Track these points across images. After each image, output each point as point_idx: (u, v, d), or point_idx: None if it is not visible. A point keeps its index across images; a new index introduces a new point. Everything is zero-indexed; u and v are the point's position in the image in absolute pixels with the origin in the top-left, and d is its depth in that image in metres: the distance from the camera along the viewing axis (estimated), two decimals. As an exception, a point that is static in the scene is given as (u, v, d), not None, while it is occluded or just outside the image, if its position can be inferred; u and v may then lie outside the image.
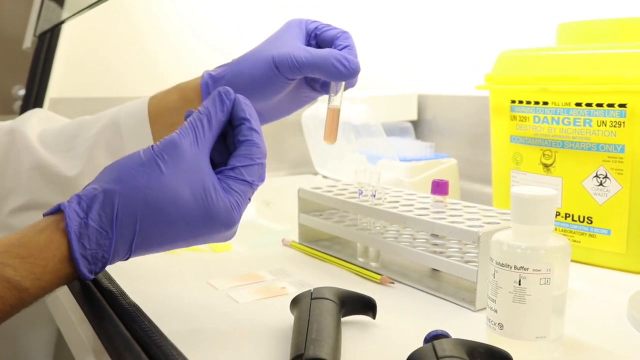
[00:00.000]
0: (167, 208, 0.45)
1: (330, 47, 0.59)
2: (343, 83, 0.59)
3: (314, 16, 0.64)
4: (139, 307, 0.56)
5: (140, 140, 0.61)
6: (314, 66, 0.56)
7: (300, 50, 0.56)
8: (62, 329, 0.69)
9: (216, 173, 0.48)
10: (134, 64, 1.42)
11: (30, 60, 1.58)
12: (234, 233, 0.50)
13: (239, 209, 0.48)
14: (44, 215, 0.46)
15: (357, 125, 1.12)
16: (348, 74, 0.56)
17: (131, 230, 0.45)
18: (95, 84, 1.42)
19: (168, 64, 1.39)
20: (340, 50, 0.57)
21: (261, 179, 0.50)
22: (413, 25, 1.36)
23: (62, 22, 1.38)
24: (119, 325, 0.52)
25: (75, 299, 0.63)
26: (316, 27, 0.60)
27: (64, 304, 0.66)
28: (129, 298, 0.58)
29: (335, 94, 0.59)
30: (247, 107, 0.50)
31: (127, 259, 0.48)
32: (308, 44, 0.60)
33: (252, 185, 0.49)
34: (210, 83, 0.60)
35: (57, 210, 0.46)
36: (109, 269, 0.66)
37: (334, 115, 0.59)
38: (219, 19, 1.48)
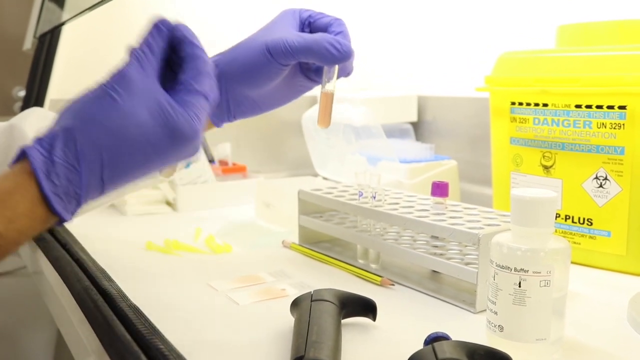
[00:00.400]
0: (129, 133, 0.46)
1: None
2: (336, 68, 0.59)
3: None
4: (139, 309, 0.56)
5: None
6: (307, 50, 0.56)
7: (293, 35, 0.57)
8: (63, 330, 0.69)
9: (168, 93, 0.49)
10: (134, 65, 1.41)
11: (30, 61, 1.58)
12: (199, 146, 0.50)
13: (199, 120, 0.48)
14: (9, 167, 0.46)
15: (357, 126, 1.13)
16: (340, 57, 0.56)
17: (98, 161, 0.45)
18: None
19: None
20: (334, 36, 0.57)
21: (213, 90, 0.50)
22: (413, 27, 1.37)
23: (63, 23, 1.38)
24: (119, 327, 0.52)
25: (76, 300, 0.63)
26: (309, 15, 0.61)
27: (64, 305, 0.66)
28: (129, 300, 0.58)
29: (329, 79, 0.60)
30: (186, 30, 0.51)
31: (103, 194, 0.47)
32: (302, 31, 0.61)
33: (205, 97, 0.49)
34: None
35: (20, 158, 0.45)
36: (109, 270, 0.66)
37: (327, 99, 0.60)
38: (219, 19, 1.48)
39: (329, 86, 0.60)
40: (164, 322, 0.54)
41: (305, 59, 0.57)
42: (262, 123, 1.35)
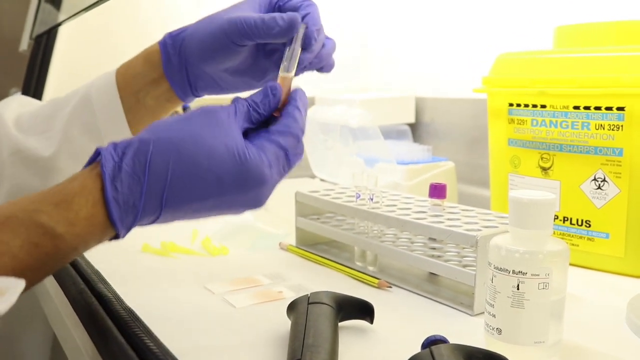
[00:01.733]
0: (200, 160, 0.46)
1: None
2: (298, 52, 0.56)
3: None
4: (133, 311, 0.55)
5: (111, 110, 0.61)
6: (259, 26, 0.55)
7: (251, 15, 0.56)
8: (58, 333, 0.69)
9: (251, 136, 0.49)
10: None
11: (26, 62, 1.57)
12: (264, 198, 0.49)
13: (270, 168, 0.48)
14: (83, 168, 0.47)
15: (355, 128, 1.12)
16: (284, 25, 0.55)
17: (162, 179, 0.45)
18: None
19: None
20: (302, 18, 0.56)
21: (296, 153, 0.50)
22: (411, 28, 1.36)
23: (59, 24, 1.38)
24: (113, 330, 0.52)
25: (70, 303, 0.63)
26: None
27: (59, 308, 0.65)
28: (124, 303, 0.57)
29: (289, 63, 0.56)
30: (301, 95, 0.52)
31: (156, 220, 0.47)
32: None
33: (286, 153, 0.49)
34: (169, 42, 0.60)
35: (95, 158, 0.46)
36: (105, 273, 0.66)
37: (283, 84, 0.55)
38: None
39: (287, 69, 0.56)
40: (160, 325, 0.53)
41: (256, 37, 0.56)
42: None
